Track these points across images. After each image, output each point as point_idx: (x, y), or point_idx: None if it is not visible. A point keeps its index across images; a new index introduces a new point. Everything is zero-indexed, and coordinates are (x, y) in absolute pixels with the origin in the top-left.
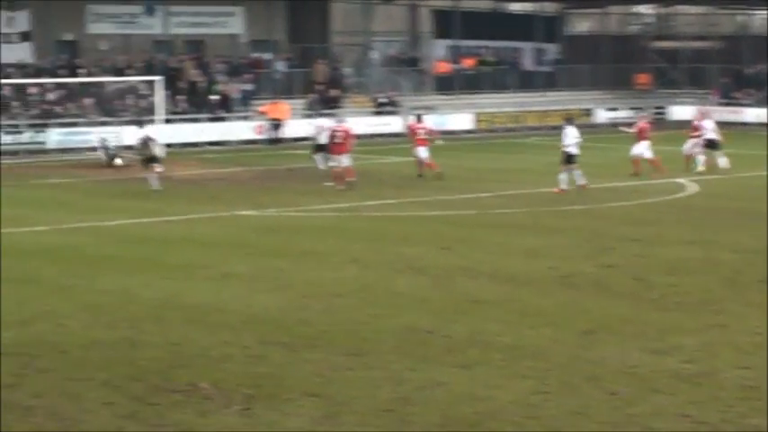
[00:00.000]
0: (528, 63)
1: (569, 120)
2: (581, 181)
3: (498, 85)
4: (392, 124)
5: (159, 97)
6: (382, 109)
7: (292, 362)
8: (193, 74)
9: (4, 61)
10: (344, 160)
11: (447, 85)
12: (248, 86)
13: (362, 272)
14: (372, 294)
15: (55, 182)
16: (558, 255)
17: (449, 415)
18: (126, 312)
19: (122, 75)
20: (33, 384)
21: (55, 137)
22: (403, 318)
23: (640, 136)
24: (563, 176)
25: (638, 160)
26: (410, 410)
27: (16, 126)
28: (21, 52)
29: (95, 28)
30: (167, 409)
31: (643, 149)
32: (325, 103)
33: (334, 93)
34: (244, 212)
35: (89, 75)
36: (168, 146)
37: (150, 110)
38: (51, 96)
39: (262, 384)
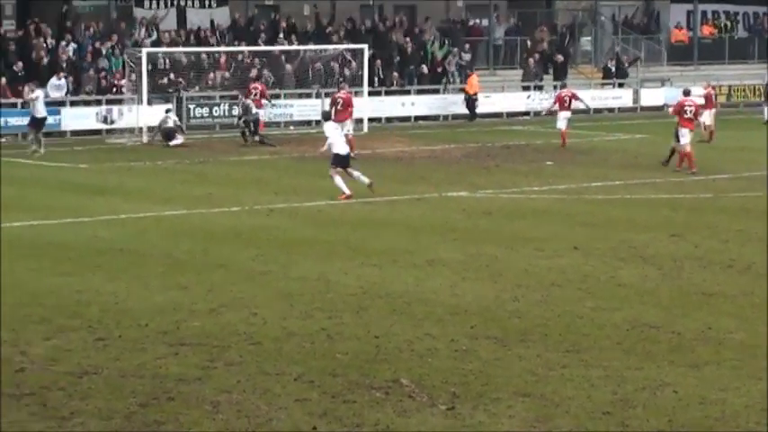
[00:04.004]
0: None
1: None
2: None
3: (741, 55)
4: (622, 97)
5: (365, 67)
6: (611, 81)
7: (503, 358)
8: (403, 41)
9: (197, 26)
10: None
11: (683, 54)
12: (466, 56)
13: (583, 260)
14: (593, 285)
15: (251, 159)
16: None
17: (674, 419)
18: (323, 301)
19: (325, 43)
20: (221, 378)
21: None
22: (626, 311)
23: None
24: None
25: None
26: (631, 413)
27: (210, 98)
28: (218, 16)
29: None
30: (365, 408)
31: None
32: (548, 73)
33: (557, 62)
34: (454, 194)
35: (289, 42)
36: (373, 120)
37: (355, 80)
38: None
39: (469, 382)
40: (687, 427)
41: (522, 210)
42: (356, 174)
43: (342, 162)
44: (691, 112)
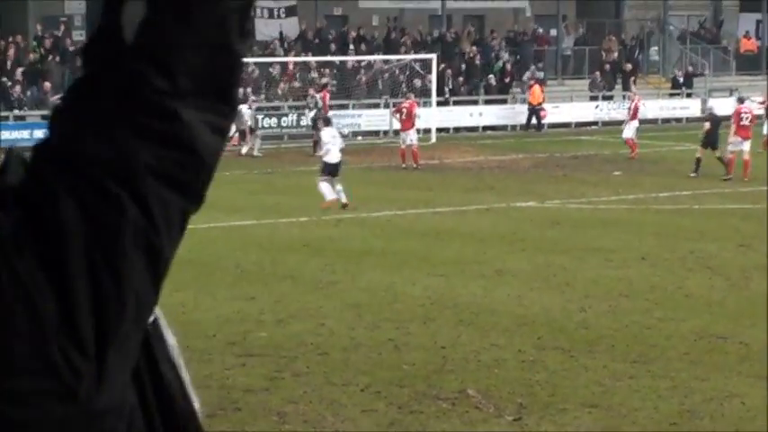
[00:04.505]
0: None
1: None
2: None
3: None
4: (690, 107)
5: (433, 77)
6: (679, 90)
7: (570, 368)
8: (471, 51)
9: (266, 37)
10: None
11: (752, 64)
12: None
13: (651, 270)
14: (661, 295)
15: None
16: None
17: (742, 430)
18: (390, 312)
19: (394, 53)
20: (289, 388)
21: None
22: (694, 322)
23: None
24: None
25: None
26: (698, 425)
27: (278, 108)
28: (287, 27)
29: (367, 3)
30: (432, 418)
31: None
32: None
33: (626, 71)
34: (522, 204)
35: (358, 52)
36: (441, 130)
37: (425, 90)
38: (315, 75)
39: (535, 393)
40: None
41: (590, 220)
42: (339, 187)
43: (331, 171)
44: (747, 119)
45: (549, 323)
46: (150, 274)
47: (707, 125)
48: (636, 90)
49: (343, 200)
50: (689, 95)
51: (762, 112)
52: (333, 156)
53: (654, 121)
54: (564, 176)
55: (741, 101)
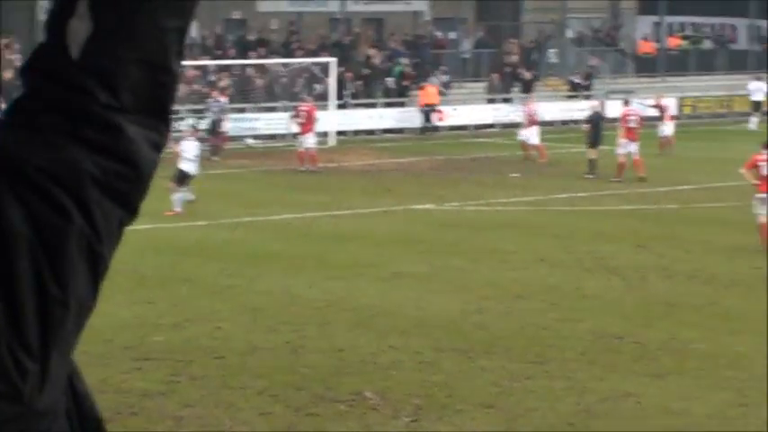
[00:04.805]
0: (742, 42)
1: None
2: None
3: (706, 67)
4: (587, 110)
5: (333, 80)
6: (577, 93)
7: (466, 370)
8: (371, 54)
9: None
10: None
11: (650, 66)
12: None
13: (548, 271)
14: (558, 296)
15: (218, 172)
16: (765, 253)
17: (637, 429)
18: (288, 315)
19: (293, 56)
20: (185, 392)
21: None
22: (590, 322)
23: None
24: None
25: None
26: (594, 424)
27: (175, 112)
28: None
29: (266, 6)
30: (329, 421)
31: None
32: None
33: (525, 75)
34: (420, 206)
35: (258, 56)
36: (340, 133)
37: (323, 95)
38: (214, 79)
39: (433, 394)
40: None
41: (487, 222)
42: (180, 196)
43: (182, 178)
44: (634, 122)
45: (447, 325)
46: (91, 280)
47: (588, 126)
48: (531, 95)
49: (178, 209)
50: (587, 98)
51: (656, 113)
52: (187, 165)
53: (552, 123)
54: (462, 179)
55: (627, 103)
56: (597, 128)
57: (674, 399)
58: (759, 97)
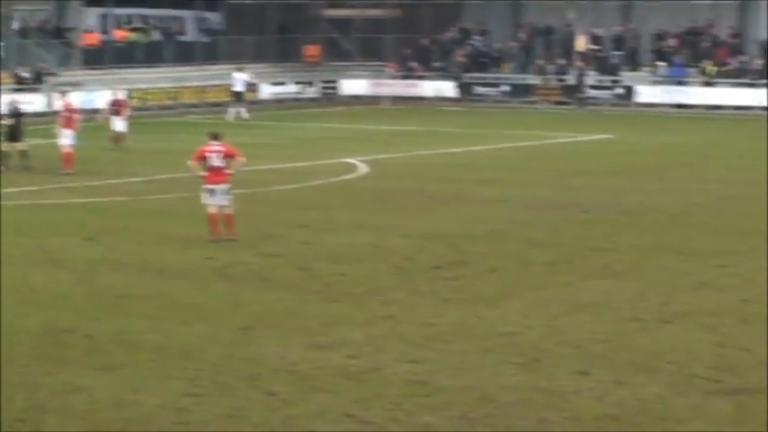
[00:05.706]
0: (189, 33)
1: None
2: None
3: (155, 59)
4: (35, 103)
5: None
6: (24, 86)
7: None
8: None
9: None
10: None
11: (97, 58)
12: None
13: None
14: (7, 291)
15: None
16: (216, 244)
17: (90, 423)
18: None
19: None
20: None
21: None
22: (40, 317)
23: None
24: None
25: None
26: (46, 419)
27: None
28: None
29: None
30: None
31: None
32: None
33: None
34: None
35: None
36: None
37: None
38: None
39: None
40: (102, 429)
41: None
42: None
43: None
44: (67, 111)
45: None
46: None
47: (7, 120)
48: None
49: None
50: (34, 91)
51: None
52: None
53: None
54: None
55: (65, 95)
56: (19, 122)
57: (127, 391)
58: (240, 87)
